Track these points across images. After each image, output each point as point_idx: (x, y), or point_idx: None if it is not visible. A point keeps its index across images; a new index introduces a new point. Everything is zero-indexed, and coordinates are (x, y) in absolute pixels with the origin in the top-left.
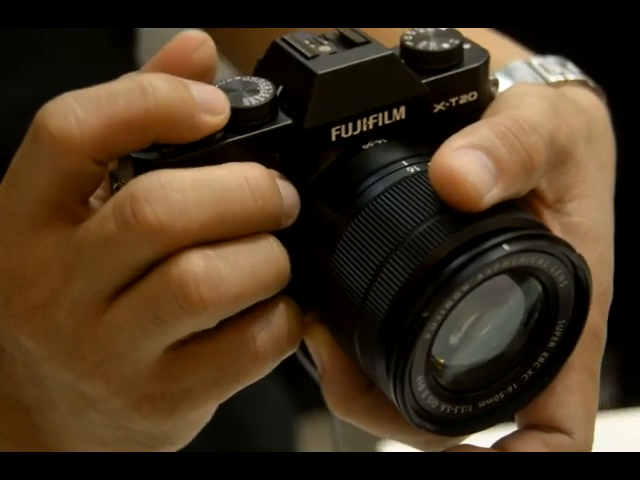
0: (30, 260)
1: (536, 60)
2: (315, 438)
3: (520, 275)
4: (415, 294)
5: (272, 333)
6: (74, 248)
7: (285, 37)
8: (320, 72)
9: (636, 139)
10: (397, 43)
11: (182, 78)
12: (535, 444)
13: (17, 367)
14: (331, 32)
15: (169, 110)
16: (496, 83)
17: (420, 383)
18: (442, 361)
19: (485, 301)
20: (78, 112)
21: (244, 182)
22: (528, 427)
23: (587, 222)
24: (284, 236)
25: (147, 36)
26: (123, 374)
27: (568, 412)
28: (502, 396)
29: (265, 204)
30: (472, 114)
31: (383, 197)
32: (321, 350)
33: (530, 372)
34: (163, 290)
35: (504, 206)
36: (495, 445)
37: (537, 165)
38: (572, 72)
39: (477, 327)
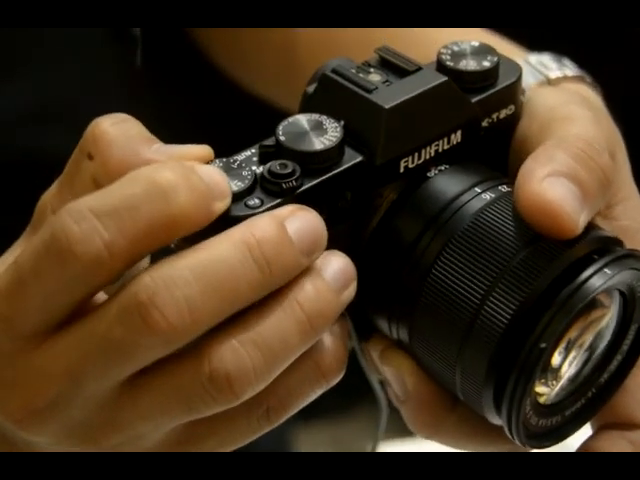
0: (30, 367)
1: (533, 58)
2: (313, 447)
3: (611, 291)
4: (528, 324)
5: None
6: (79, 350)
7: (334, 68)
8: (387, 106)
9: (636, 139)
10: (415, 52)
11: (187, 162)
12: (621, 443)
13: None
14: (372, 58)
15: (193, 210)
16: (523, 92)
17: (527, 407)
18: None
19: (584, 321)
20: (103, 234)
21: (245, 253)
22: (605, 427)
23: (634, 224)
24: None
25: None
26: (142, 450)
27: None
28: (584, 401)
29: (274, 268)
30: (510, 126)
31: (471, 225)
32: (405, 376)
33: (606, 375)
34: (195, 386)
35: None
36: (581, 448)
37: (610, 182)
38: (569, 68)
39: (576, 345)
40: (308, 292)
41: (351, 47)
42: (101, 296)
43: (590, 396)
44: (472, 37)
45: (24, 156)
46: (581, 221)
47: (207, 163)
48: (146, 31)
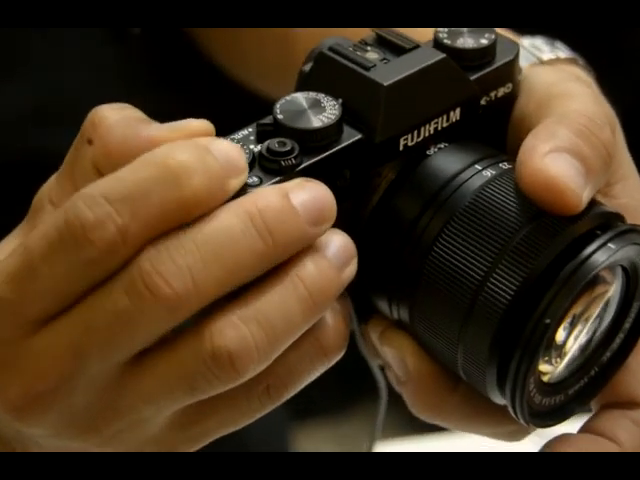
0: (31, 350)
1: (526, 41)
2: (311, 447)
3: (614, 267)
4: (532, 301)
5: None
6: (83, 326)
7: (331, 46)
8: (386, 83)
9: (636, 139)
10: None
11: (200, 138)
12: (623, 422)
13: (12, 444)
14: (368, 36)
15: (206, 193)
16: (520, 71)
17: (531, 385)
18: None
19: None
20: (116, 219)
21: (248, 224)
22: (608, 406)
23: (633, 202)
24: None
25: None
26: (144, 436)
27: None
28: (586, 380)
29: (276, 238)
30: (508, 104)
31: (472, 202)
32: (406, 356)
33: (608, 353)
34: (197, 364)
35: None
36: (583, 429)
37: (612, 157)
38: (562, 50)
39: (580, 322)
40: (310, 270)
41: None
42: None
43: (593, 374)
44: None
45: (25, 156)
46: (584, 197)
47: None
48: (146, 31)
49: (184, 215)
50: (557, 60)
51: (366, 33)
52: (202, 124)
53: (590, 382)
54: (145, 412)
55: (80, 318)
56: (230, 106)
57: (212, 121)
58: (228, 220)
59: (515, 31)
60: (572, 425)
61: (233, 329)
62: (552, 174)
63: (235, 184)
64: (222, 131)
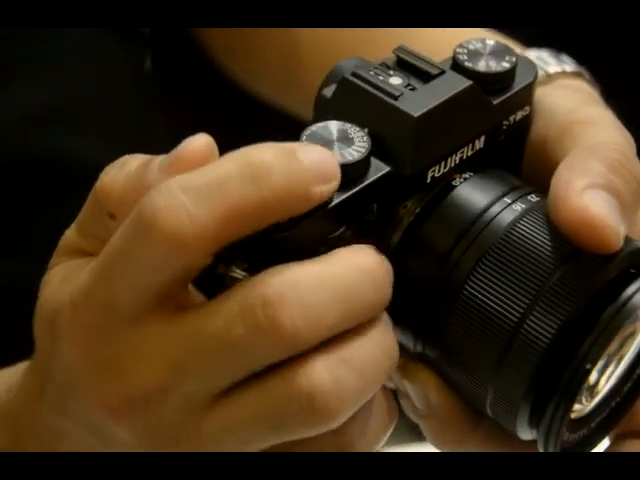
0: (130, 351)
1: (532, 53)
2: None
3: None
4: (571, 343)
5: (369, 435)
6: (189, 345)
7: (354, 72)
8: (416, 115)
9: (636, 139)
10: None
11: (288, 144)
12: None
13: (72, 443)
14: (388, 58)
15: (285, 194)
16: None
17: (564, 427)
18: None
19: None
20: (190, 209)
21: (365, 275)
22: (623, 436)
23: None
24: None
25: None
26: None
27: None
28: (608, 411)
29: (384, 291)
30: (525, 127)
31: (505, 238)
32: (430, 392)
33: (630, 384)
34: (289, 403)
35: None
36: None
37: None
38: (568, 64)
39: (614, 362)
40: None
41: (354, 45)
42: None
43: (614, 405)
44: (473, 36)
45: (27, 157)
46: (622, 234)
47: None
48: (155, 33)
49: (263, 215)
50: (564, 74)
51: (369, 36)
52: (201, 147)
53: (611, 413)
54: (226, 444)
55: (186, 333)
56: (240, 110)
57: (220, 125)
58: (348, 267)
59: (520, 38)
60: None
61: (329, 370)
62: (592, 213)
63: (321, 190)
64: (232, 133)
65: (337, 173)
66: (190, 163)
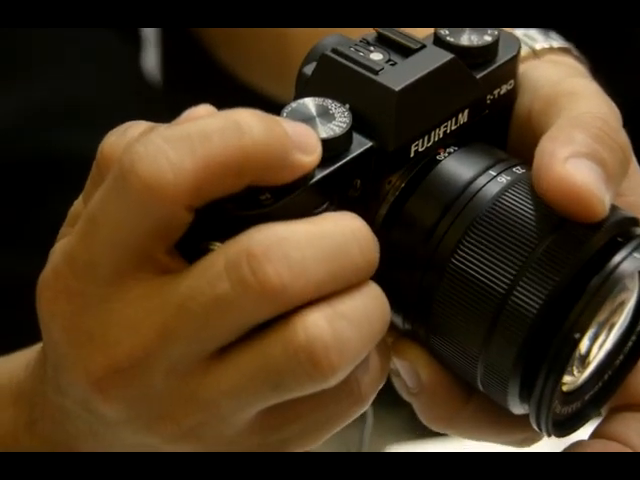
0: (114, 317)
1: (519, 31)
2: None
3: (633, 274)
4: (559, 313)
5: (372, 374)
6: (175, 306)
7: (334, 48)
8: (398, 88)
9: (636, 139)
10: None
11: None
12: (636, 425)
13: (77, 423)
14: (369, 34)
15: (266, 150)
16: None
17: (555, 401)
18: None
19: (611, 304)
20: (171, 155)
21: (351, 235)
22: (617, 409)
23: None
24: None
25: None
26: (221, 435)
27: None
28: (600, 384)
29: (370, 255)
30: (510, 101)
31: (491, 210)
32: (420, 369)
33: (621, 357)
34: (288, 358)
35: None
36: (595, 434)
37: (629, 160)
38: (555, 40)
39: (604, 331)
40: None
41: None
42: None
43: (606, 378)
44: None
45: (31, 154)
46: (607, 203)
47: None
48: (161, 33)
49: (243, 170)
50: (550, 50)
51: (362, 33)
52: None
53: (604, 386)
54: (225, 408)
55: (169, 294)
56: (238, 106)
57: None
58: (335, 228)
59: None
60: (584, 430)
61: (327, 321)
62: (576, 181)
63: (303, 160)
64: None
65: (318, 147)
66: None
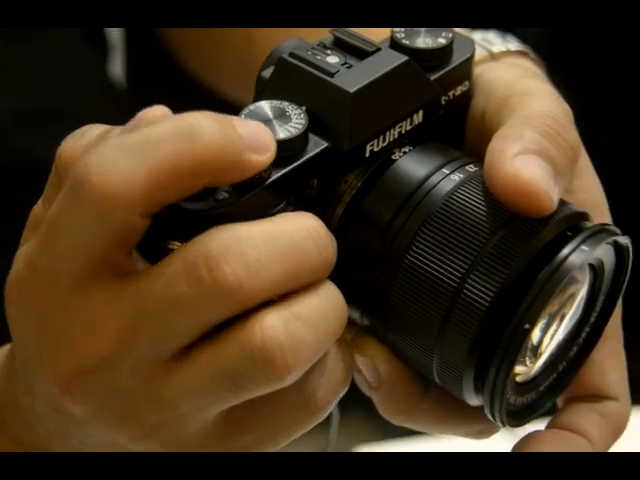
0: (77, 321)
1: (478, 34)
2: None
3: (583, 266)
4: (510, 305)
5: (330, 382)
6: (135, 308)
7: (292, 51)
8: (352, 90)
9: (637, 138)
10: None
11: (226, 115)
12: (590, 415)
13: (46, 424)
14: (326, 38)
15: (218, 153)
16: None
17: (509, 391)
18: (527, 362)
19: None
20: (122, 165)
21: (307, 234)
22: (573, 400)
23: (592, 198)
24: None
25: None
26: (182, 435)
27: (610, 379)
28: (555, 375)
29: (326, 254)
30: (465, 102)
31: (444, 207)
32: (378, 363)
33: (575, 348)
34: (245, 358)
35: None
36: (551, 424)
37: (578, 157)
38: (512, 43)
39: (555, 321)
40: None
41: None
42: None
43: (561, 369)
44: None
45: (9, 160)
46: (555, 198)
47: None
48: (127, 37)
49: (196, 175)
50: (507, 53)
51: (324, 33)
52: (157, 116)
53: (558, 377)
54: (186, 408)
55: (129, 297)
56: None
57: None
58: (292, 227)
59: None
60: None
61: (283, 322)
62: (524, 177)
63: (257, 160)
64: None
65: (272, 146)
66: None
